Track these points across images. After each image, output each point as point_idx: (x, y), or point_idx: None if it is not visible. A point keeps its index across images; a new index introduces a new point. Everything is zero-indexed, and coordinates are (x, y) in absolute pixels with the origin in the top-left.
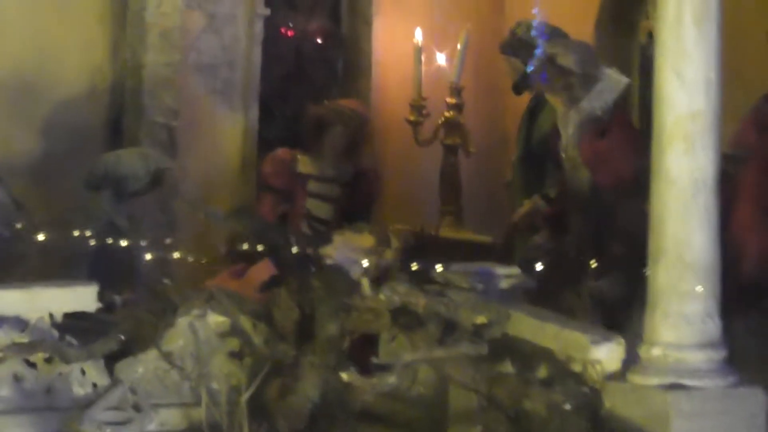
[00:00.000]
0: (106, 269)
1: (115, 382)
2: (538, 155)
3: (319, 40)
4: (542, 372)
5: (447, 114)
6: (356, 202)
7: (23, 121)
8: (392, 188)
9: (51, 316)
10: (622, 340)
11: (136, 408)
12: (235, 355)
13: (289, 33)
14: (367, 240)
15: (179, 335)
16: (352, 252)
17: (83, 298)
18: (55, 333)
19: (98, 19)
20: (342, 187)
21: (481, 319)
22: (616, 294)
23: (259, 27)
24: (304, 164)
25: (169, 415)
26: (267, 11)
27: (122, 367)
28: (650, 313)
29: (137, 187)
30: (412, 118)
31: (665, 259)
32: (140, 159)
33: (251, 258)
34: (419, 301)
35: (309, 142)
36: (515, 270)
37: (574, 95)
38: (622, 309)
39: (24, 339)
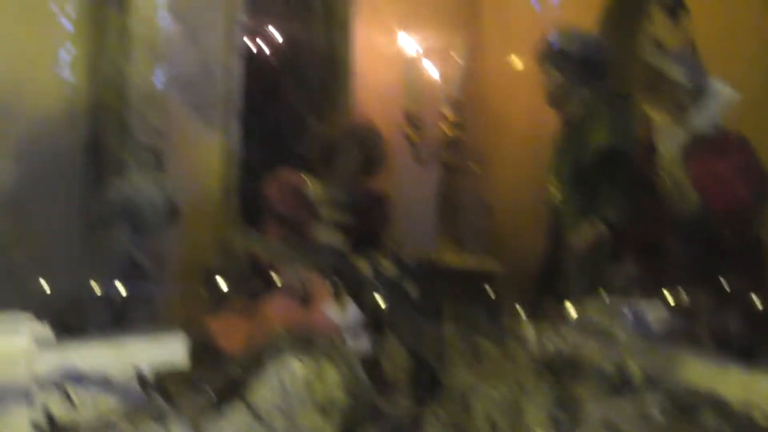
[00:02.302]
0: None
1: None
2: (592, 174)
3: (290, 50)
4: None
5: (446, 130)
6: (368, 229)
7: None
8: None
9: (138, 372)
10: None
11: None
12: (323, 409)
13: (261, 42)
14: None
15: (266, 388)
16: None
17: (172, 350)
18: (139, 390)
19: (73, 30)
20: (353, 212)
21: (650, 366)
22: (743, 331)
23: (239, 36)
24: (312, 188)
25: None
26: (246, 18)
27: (210, 427)
28: None
29: (154, 219)
30: (411, 134)
31: None
32: (157, 187)
33: (255, 293)
34: (590, 348)
35: (317, 164)
36: (662, 307)
37: (683, 110)
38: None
39: (109, 397)
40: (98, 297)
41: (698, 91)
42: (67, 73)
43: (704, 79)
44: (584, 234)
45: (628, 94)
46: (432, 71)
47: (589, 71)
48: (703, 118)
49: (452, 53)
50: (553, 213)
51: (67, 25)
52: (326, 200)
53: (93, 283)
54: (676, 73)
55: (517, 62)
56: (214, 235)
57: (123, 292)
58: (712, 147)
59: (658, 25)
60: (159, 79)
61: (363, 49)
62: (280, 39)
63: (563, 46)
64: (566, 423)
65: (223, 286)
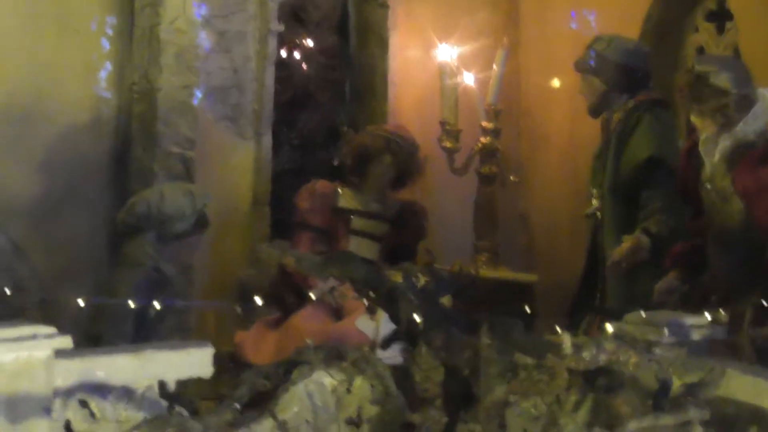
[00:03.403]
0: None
1: None
2: (632, 185)
3: (324, 60)
4: None
5: (483, 140)
6: (403, 240)
7: (20, 155)
8: None
9: (161, 383)
10: None
11: None
12: (353, 422)
13: (295, 51)
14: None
15: (294, 402)
16: None
17: (198, 362)
18: (164, 403)
19: (101, 37)
20: (388, 223)
21: (691, 378)
22: None
23: (272, 45)
24: (346, 198)
25: None
26: (281, 27)
27: None
28: None
29: (183, 229)
30: (448, 144)
31: None
32: (185, 196)
33: (287, 306)
34: (630, 360)
35: (351, 174)
36: (705, 319)
37: (729, 119)
38: None
39: (131, 410)
40: (124, 307)
41: (745, 100)
42: (94, 81)
43: (751, 87)
44: (625, 246)
45: (670, 103)
46: (469, 80)
47: (631, 79)
48: (750, 127)
49: (490, 62)
50: (592, 224)
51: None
52: (360, 211)
53: (119, 293)
54: (723, 80)
55: (556, 71)
56: (245, 246)
57: (153, 305)
58: (760, 156)
59: (703, 34)
60: (189, 88)
61: (399, 58)
62: (313, 48)
63: (604, 53)
64: None
65: (256, 300)
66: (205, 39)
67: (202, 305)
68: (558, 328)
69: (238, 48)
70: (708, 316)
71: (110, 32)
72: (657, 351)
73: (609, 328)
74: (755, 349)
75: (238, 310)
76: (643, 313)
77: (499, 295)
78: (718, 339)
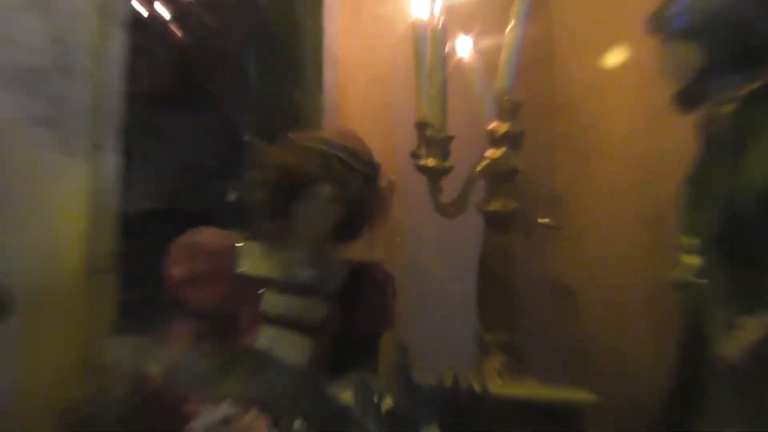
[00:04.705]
0: None
1: None
2: (756, 229)
3: (215, 22)
4: None
5: (491, 154)
6: (355, 331)
7: None
8: None
9: None
10: None
11: None
12: None
13: (165, 9)
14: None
15: None
16: None
17: None
18: None
19: None
20: (328, 301)
21: None
22: None
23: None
24: (253, 259)
25: None
26: None
27: None
28: None
29: None
30: (430, 162)
31: None
32: None
33: None
34: None
35: (263, 217)
36: None
37: None
38: None
39: None
40: None
41: None
42: None
43: None
44: (747, 334)
45: None
46: (465, 51)
47: (747, 47)
48: None
49: (501, 22)
50: (687, 299)
51: None
52: (278, 281)
53: None
54: None
55: (616, 39)
56: (76, 345)
57: None
58: None
59: None
60: None
61: (343, 17)
62: (195, 3)
63: (701, 4)
64: None
65: None
66: None
67: None
68: None
69: (62, 3)
70: None
71: None
72: None
73: None
74: None
75: None
76: None
77: (524, 425)
78: None
